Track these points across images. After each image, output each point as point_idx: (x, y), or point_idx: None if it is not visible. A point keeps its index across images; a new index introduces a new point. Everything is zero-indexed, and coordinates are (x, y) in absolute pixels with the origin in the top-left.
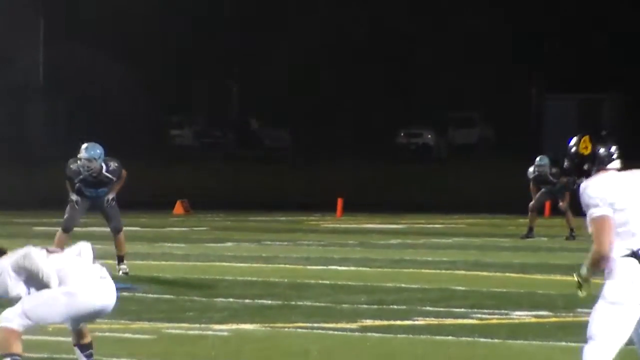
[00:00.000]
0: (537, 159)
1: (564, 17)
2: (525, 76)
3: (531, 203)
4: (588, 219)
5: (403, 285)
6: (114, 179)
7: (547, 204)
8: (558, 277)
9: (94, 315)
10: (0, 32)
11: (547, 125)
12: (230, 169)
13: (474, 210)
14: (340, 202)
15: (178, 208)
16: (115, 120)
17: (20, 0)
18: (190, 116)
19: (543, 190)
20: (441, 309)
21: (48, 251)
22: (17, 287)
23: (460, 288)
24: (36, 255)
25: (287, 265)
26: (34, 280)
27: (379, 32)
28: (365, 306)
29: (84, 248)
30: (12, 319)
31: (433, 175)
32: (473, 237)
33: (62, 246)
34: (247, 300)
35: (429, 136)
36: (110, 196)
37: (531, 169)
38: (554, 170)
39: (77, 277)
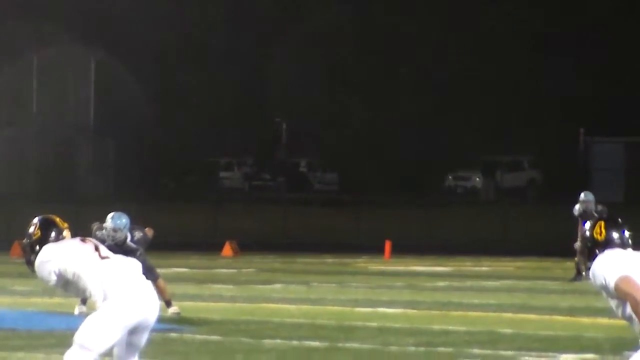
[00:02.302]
0: (582, 194)
1: (612, 62)
2: (574, 119)
3: (576, 243)
4: (612, 287)
5: (450, 327)
6: (139, 249)
7: None
8: (605, 320)
9: (140, 326)
10: (52, 71)
11: (594, 169)
12: (278, 211)
13: (522, 253)
14: (388, 245)
15: (227, 250)
16: (165, 161)
17: (72, 40)
18: (240, 158)
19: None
20: (488, 352)
21: (100, 255)
22: (55, 282)
23: (507, 331)
24: (86, 274)
25: (335, 307)
26: (76, 289)
27: (429, 76)
28: (412, 348)
29: (134, 262)
30: (75, 358)
31: (480, 218)
32: (520, 280)
33: None
34: (294, 342)
35: (477, 179)
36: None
37: (577, 206)
38: (599, 207)
39: (122, 286)
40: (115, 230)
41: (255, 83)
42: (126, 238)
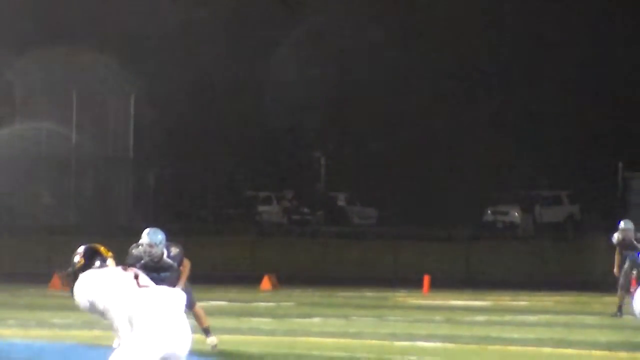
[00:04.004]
0: (622, 223)
1: None
2: (611, 153)
3: (620, 281)
4: None
5: None
6: (175, 264)
7: (634, 281)
8: None
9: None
10: (93, 101)
11: (633, 204)
12: (317, 245)
13: (560, 287)
14: (427, 279)
15: (266, 283)
16: (204, 194)
17: (113, 73)
18: (279, 192)
19: (626, 266)
20: None
21: (138, 284)
22: (89, 310)
23: None
24: (114, 307)
25: (373, 341)
26: (108, 320)
27: (464, 114)
28: None
29: (177, 294)
30: None
31: (519, 252)
32: (559, 315)
33: None
34: None
35: (516, 214)
36: (180, 287)
37: (616, 235)
38: (639, 234)
39: (151, 317)
40: (151, 245)
41: (295, 116)
42: (162, 254)
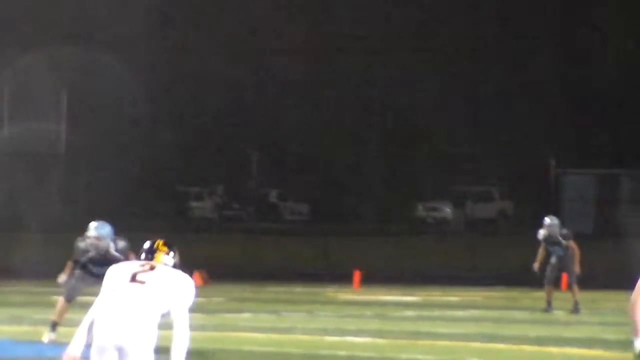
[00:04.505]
0: (547, 219)
1: (583, 93)
2: (544, 151)
3: (547, 276)
4: None
5: (419, 357)
6: (122, 257)
7: (564, 276)
8: (574, 350)
9: (113, 351)
10: (25, 97)
11: (565, 200)
12: (248, 241)
13: (490, 283)
14: (357, 274)
15: (196, 278)
16: (135, 191)
17: (43, 71)
18: (210, 188)
19: (553, 262)
20: None
21: (133, 278)
22: None
23: None
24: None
25: (304, 336)
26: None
27: (403, 108)
28: None
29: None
30: None
31: (450, 248)
32: (489, 310)
33: (62, 315)
34: None
35: (447, 210)
36: None
37: (541, 231)
38: (564, 231)
39: (99, 310)
40: (98, 238)
41: (227, 113)
42: (109, 247)
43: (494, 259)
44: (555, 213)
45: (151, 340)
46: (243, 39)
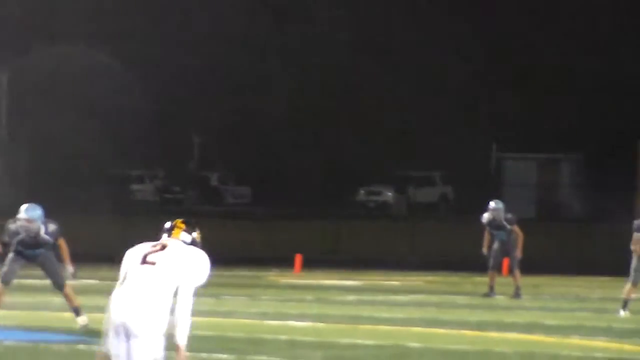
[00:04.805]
0: (492, 203)
1: (525, 78)
2: (486, 135)
3: (490, 261)
4: None
5: (359, 341)
6: (52, 240)
7: (506, 262)
8: (514, 335)
9: (124, 332)
10: None
11: (506, 184)
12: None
13: (432, 268)
14: (298, 258)
15: None
16: (75, 172)
17: None
18: (152, 171)
19: (495, 247)
20: None
21: (144, 260)
22: None
23: (416, 345)
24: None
25: (245, 320)
26: None
27: (343, 93)
28: None
29: (154, 272)
30: None
31: (391, 232)
32: (430, 294)
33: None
34: (203, 354)
35: (389, 194)
36: (70, 269)
37: (486, 215)
38: (509, 215)
39: (119, 288)
40: (29, 221)
41: (169, 95)
42: (40, 230)
43: (435, 244)
44: (496, 198)
45: (160, 321)
46: (181, 24)
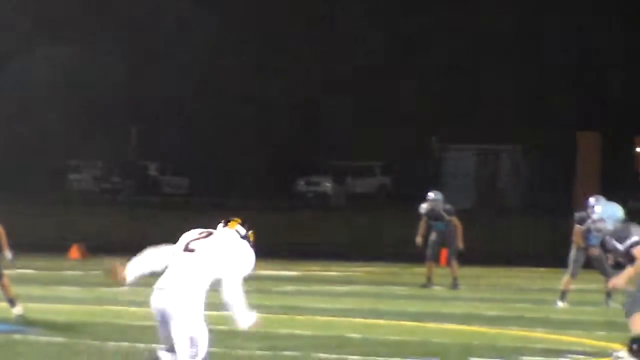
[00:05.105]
0: (431, 194)
1: (464, 70)
2: (426, 126)
3: (428, 252)
4: None
5: (297, 332)
6: None
7: (444, 253)
8: (452, 326)
9: (163, 318)
10: None
11: (445, 176)
12: (127, 214)
13: (371, 258)
14: None
15: (74, 252)
16: (14, 161)
17: None
18: (89, 161)
19: (433, 238)
20: (335, 356)
21: (185, 247)
22: None
23: (355, 336)
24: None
25: None
26: None
27: (283, 82)
28: (258, 352)
29: (191, 257)
30: None
31: (330, 223)
32: (369, 285)
33: None
34: (140, 345)
35: (328, 185)
36: (9, 256)
37: (424, 205)
38: (447, 206)
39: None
40: None
41: (109, 85)
42: None
43: (374, 234)
44: (436, 189)
45: (195, 303)
46: (119, 13)
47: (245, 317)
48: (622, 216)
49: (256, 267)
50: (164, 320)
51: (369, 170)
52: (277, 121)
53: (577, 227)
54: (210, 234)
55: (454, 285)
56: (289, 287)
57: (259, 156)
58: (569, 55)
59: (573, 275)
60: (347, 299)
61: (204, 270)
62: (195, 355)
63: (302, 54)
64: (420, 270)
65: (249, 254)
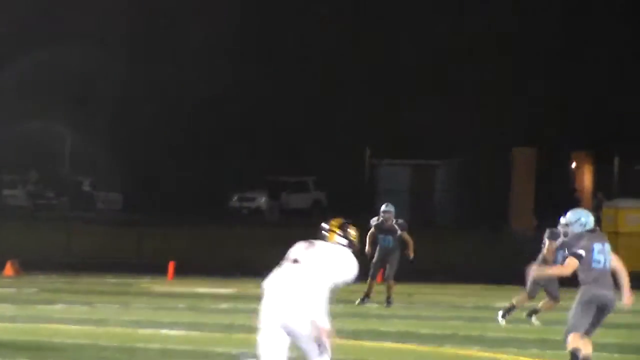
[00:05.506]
0: (384, 206)
1: (397, 84)
2: (358, 139)
3: (371, 271)
4: None
5: (233, 350)
6: None
7: (382, 270)
8: (388, 344)
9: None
10: None
11: (380, 191)
12: (62, 230)
13: None
14: (171, 266)
15: (8, 269)
16: None
17: None
18: (23, 175)
19: (378, 256)
20: None
21: (292, 259)
22: None
23: (292, 354)
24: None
25: (117, 329)
26: None
27: (218, 97)
28: None
29: (295, 272)
30: None
31: (265, 239)
32: None
33: None
34: None
35: (262, 200)
36: None
37: (375, 218)
38: (400, 221)
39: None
40: None
41: (41, 99)
42: None
43: None
44: (370, 204)
45: (306, 312)
46: (37, 21)
47: (325, 320)
48: (590, 224)
49: (190, 284)
50: (276, 328)
51: (303, 186)
52: (212, 136)
53: (550, 243)
54: (314, 245)
55: (388, 302)
56: (225, 305)
57: (194, 171)
58: (508, 74)
59: (531, 296)
60: None
61: (310, 281)
62: (325, 353)
63: (233, 74)
64: (355, 287)
65: (349, 260)
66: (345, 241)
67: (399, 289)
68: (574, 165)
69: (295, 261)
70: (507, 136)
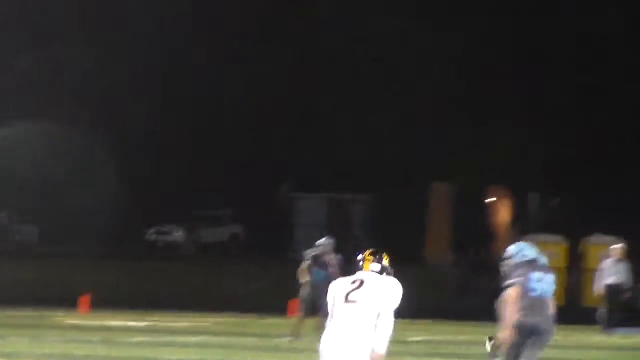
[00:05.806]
0: (322, 239)
1: (318, 113)
2: (276, 173)
3: (302, 306)
4: None
5: None
6: None
7: (294, 303)
8: None
9: None
10: None
11: (297, 224)
12: None
13: (221, 309)
14: (85, 299)
15: None
16: None
17: None
18: None
19: (307, 293)
20: None
21: (346, 299)
22: None
23: None
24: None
25: None
26: None
27: (130, 131)
28: None
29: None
30: None
31: (180, 273)
32: (218, 336)
33: None
34: None
35: (178, 234)
36: None
37: (310, 250)
38: (339, 256)
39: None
40: None
41: None
42: None
43: (225, 284)
44: (288, 237)
45: (366, 350)
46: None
47: (384, 346)
48: (531, 256)
49: (104, 317)
50: None
51: (218, 219)
52: (128, 168)
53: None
54: (363, 282)
55: (298, 336)
56: (138, 338)
57: (110, 205)
58: (421, 106)
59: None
60: (196, 350)
61: (368, 319)
62: None
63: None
64: (271, 322)
65: (397, 287)
66: (379, 267)
67: (310, 322)
68: (490, 200)
69: (353, 302)
70: (424, 170)
